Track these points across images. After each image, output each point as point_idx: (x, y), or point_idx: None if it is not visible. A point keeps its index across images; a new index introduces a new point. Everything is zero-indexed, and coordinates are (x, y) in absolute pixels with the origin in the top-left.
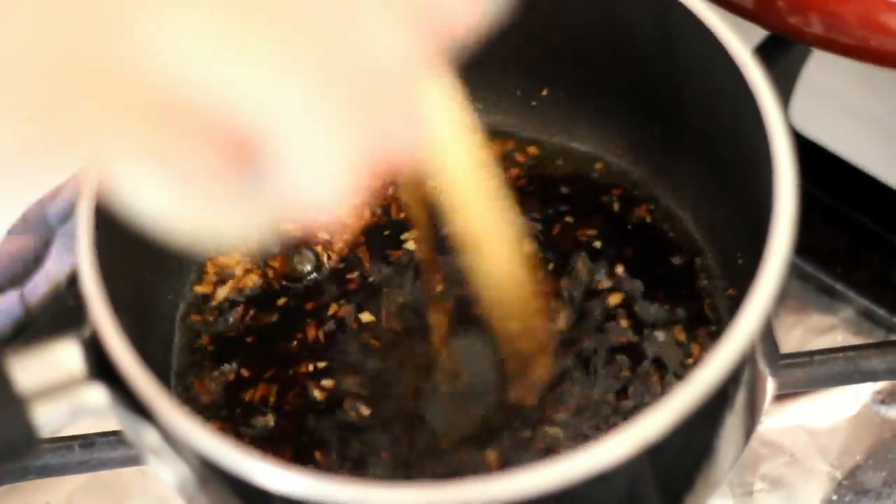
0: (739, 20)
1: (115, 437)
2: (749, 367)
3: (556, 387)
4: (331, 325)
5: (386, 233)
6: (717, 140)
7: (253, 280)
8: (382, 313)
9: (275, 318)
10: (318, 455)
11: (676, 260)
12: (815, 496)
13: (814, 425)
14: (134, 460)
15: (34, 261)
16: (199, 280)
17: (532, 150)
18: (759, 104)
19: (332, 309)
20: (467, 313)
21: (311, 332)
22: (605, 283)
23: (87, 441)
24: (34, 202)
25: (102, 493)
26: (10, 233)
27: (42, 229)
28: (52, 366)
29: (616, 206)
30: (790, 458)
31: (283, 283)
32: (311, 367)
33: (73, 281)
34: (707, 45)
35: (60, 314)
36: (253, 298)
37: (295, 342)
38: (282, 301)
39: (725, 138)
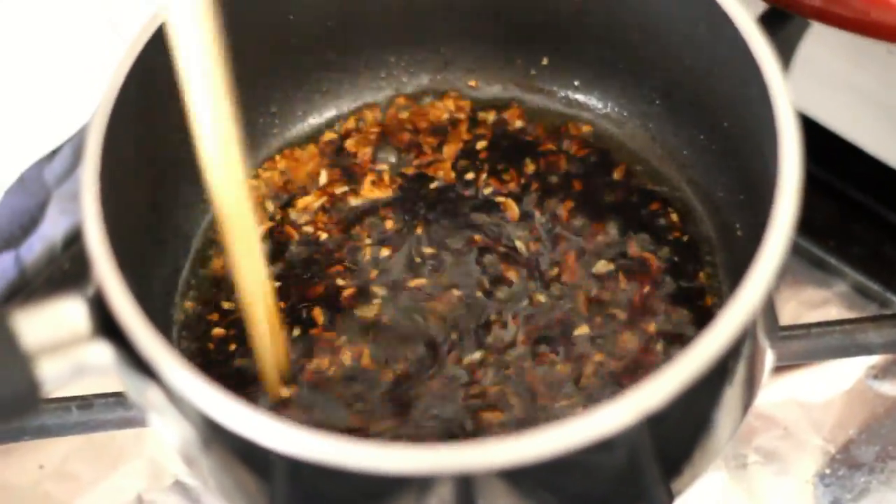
0: None
1: (113, 399)
2: (750, 340)
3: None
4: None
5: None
6: (718, 110)
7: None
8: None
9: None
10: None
11: (674, 229)
12: (809, 469)
13: (808, 399)
14: (131, 422)
15: (30, 222)
16: (204, 241)
17: (530, 117)
18: (763, 73)
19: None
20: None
21: (312, 296)
22: (600, 250)
23: (85, 402)
24: (31, 163)
25: (96, 456)
26: (6, 194)
27: (38, 190)
28: (56, 323)
29: (614, 175)
30: (784, 432)
31: (289, 248)
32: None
33: (68, 243)
34: (709, 13)
35: (55, 277)
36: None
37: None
38: (285, 265)
39: (727, 108)
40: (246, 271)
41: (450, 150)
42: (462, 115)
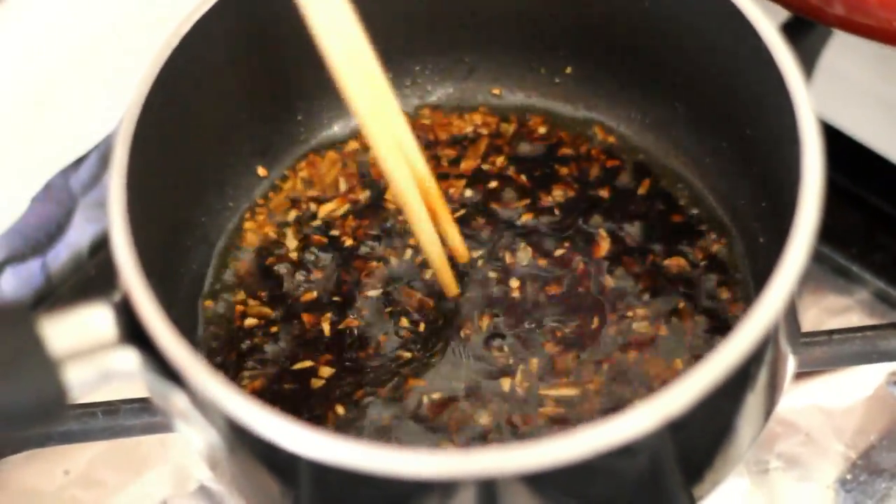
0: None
1: (138, 405)
2: (772, 346)
3: (575, 362)
4: (361, 302)
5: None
6: (740, 118)
7: (279, 256)
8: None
9: (312, 293)
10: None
11: (696, 236)
12: (830, 475)
13: (829, 405)
14: (157, 428)
15: (56, 229)
16: (228, 243)
17: (554, 126)
18: (785, 82)
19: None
20: None
21: (336, 306)
22: (623, 259)
23: (110, 408)
24: (58, 171)
25: (122, 462)
26: (33, 201)
27: (65, 198)
28: (83, 329)
29: (637, 184)
30: (805, 438)
31: (312, 256)
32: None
33: (94, 250)
34: (733, 22)
35: (81, 284)
36: (285, 267)
37: (316, 319)
38: (312, 275)
39: (749, 116)
40: (392, 170)
41: (468, 164)
42: (486, 131)
